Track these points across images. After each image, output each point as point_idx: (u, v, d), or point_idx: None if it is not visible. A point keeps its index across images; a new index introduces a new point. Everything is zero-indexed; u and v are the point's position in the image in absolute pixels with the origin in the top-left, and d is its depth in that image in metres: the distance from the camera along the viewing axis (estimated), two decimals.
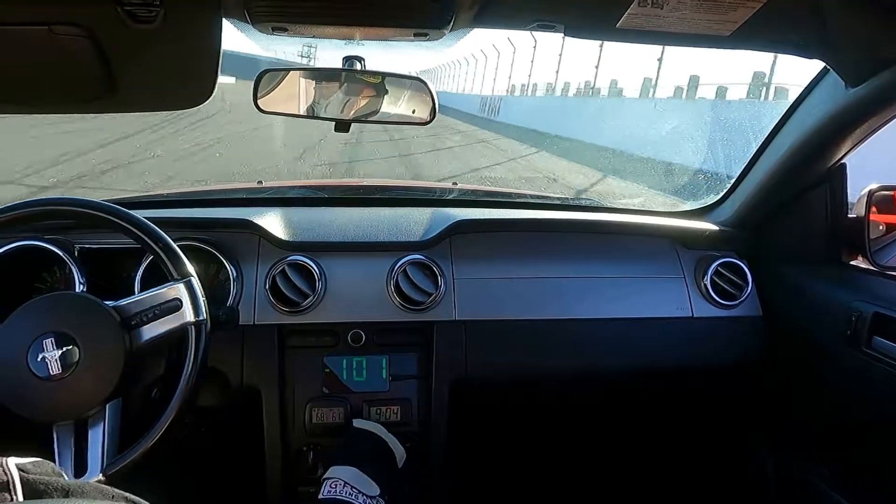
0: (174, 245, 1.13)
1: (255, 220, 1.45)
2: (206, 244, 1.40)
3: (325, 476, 1.11)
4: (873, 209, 1.38)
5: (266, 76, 1.17)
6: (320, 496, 1.05)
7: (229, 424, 1.61)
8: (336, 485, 1.04)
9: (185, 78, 0.97)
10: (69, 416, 1.03)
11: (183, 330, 1.10)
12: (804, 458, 1.49)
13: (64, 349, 1.00)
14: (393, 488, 1.12)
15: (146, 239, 1.11)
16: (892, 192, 1.41)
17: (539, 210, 1.77)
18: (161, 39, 0.87)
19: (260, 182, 2.00)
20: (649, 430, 1.90)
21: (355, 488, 1.04)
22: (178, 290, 1.09)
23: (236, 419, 1.55)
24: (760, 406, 1.63)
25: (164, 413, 1.06)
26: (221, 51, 0.90)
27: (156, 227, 1.13)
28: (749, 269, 1.55)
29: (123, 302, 1.09)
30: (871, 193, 1.37)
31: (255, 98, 1.18)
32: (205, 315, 1.10)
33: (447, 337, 1.44)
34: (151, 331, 1.08)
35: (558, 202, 2.01)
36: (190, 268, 1.13)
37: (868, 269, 1.39)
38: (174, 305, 1.08)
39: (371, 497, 1.05)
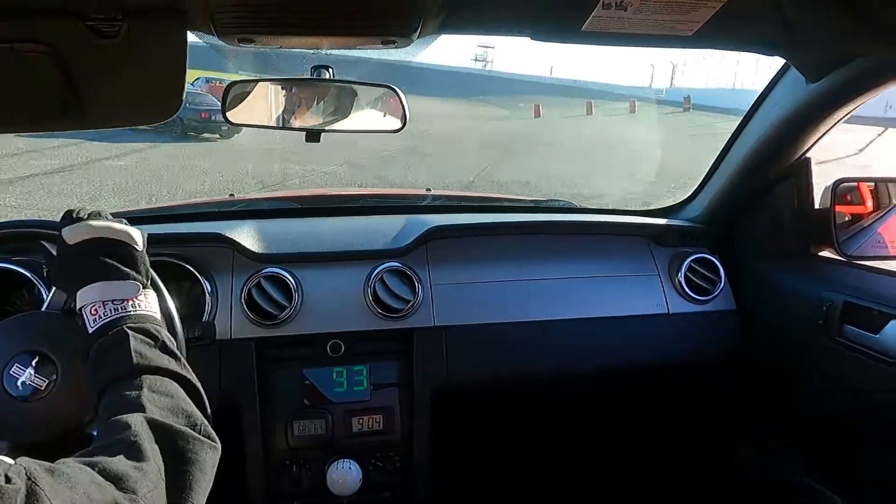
0: (179, 327, 1.06)
1: (228, 234, 1.43)
2: (179, 259, 1.38)
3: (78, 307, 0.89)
4: (839, 200, 1.41)
5: (234, 87, 1.16)
6: (90, 331, 0.85)
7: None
8: (95, 310, 0.85)
9: (151, 93, 0.96)
10: (49, 436, 1.00)
11: None
12: (784, 449, 1.52)
13: (40, 368, 0.97)
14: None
15: None
16: (856, 184, 1.44)
17: (513, 213, 1.78)
18: (126, 54, 0.86)
19: (232, 195, 1.98)
20: (632, 428, 1.91)
21: (113, 302, 0.85)
22: None
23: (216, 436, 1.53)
24: (739, 399, 1.66)
25: None
26: (187, 64, 0.89)
27: None
28: (721, 264, 1.57)
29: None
30: (835, 185, 1.40)
31: (224, 110, 1.17)
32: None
33: (427, 343, 1.44)
34: None
35: (532, 204, 2.03)
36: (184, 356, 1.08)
37: (837, 259, 1.42)
38: None
39: (128, 300, 0.87)
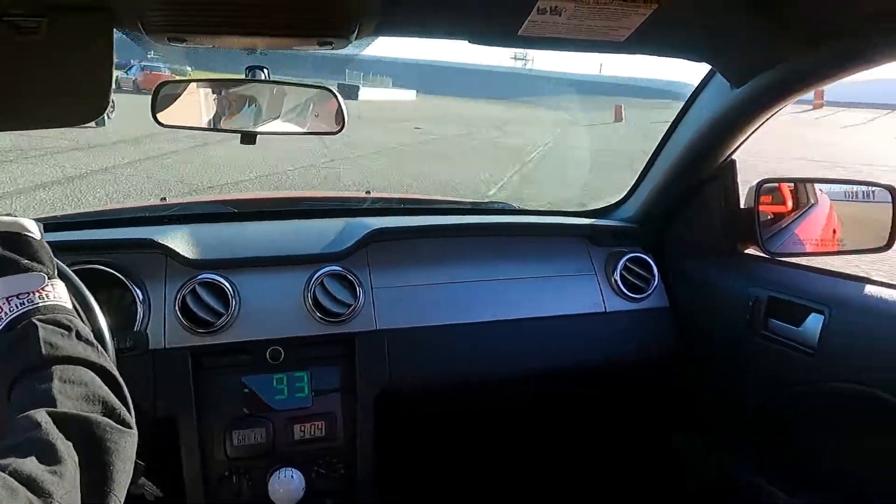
0: (109, 343, 0.99)
1: (160, 240, 1.38)
2: (108, 266, 1.32)
3: None
4: (762, 199, 1.48)
5: (164, 87, 1.13)
6: None
7: (144, 455, 1.52)
8: (0, 307, 0.79)
9: (76, 93, 0.92)
10: None
11: None
12: (720, 443, 1.57)
13: None
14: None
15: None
16: (778, 184, 1.52)
17: (452, 215, 1.79)
18: (48, 52, 0.82)
19: (163, 199, 1.91)
20: (575, 427, 1.95)
21: (19, 297, 0.80)
22: None
23: (151, 449, 1.47)
24: (677, 396, 1.71)
25: None
26: (114, 63, 0.86)
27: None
28: (655, 263, 1.62)
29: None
30: (759, 185, 1.47)
31: (154, 112, 1.13)
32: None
33: (369, 347, 1.43)
34: None
35: (470, 206, 2.04)
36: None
37: (762, 256, 1.48)
38: None
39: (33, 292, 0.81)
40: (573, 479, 1.96)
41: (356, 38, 0.96)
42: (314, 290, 1.39)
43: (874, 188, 1.45)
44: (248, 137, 1.18)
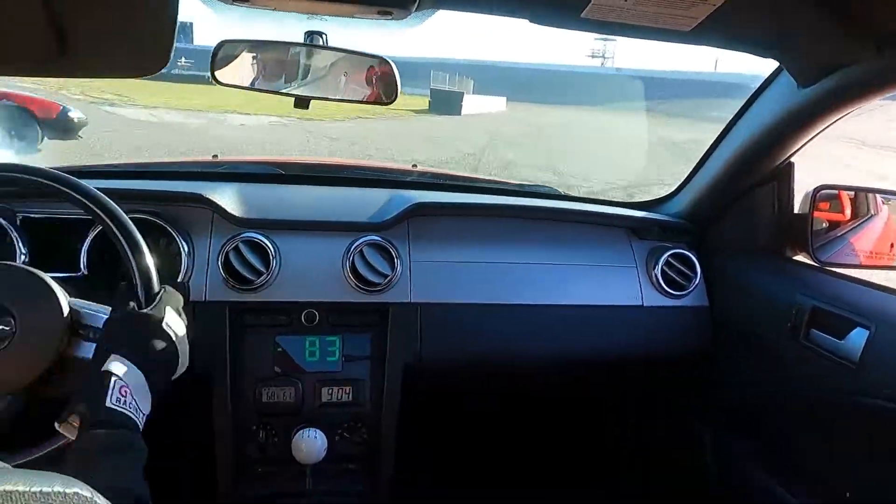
0: (156, 282, 1.01)
1: (209, 195, 1.41)
2: (157, 217, 1.37)
3: (107, 369, 0.88)
4: (818, 206, 1.43)
5: (224, 47, 1.14)
6: (108, 403, 0.84)
7: (177, 403, 1.58)
8: (126, 392, 0.85)
9: (139, 44, 0.94)
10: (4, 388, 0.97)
11: None
12: (743, 448, 1.55)
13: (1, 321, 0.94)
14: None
15: (123, 243, 1.01)
16: (836, 192, 1.47)
17: (497, 195, 1.78)
18: (115, 2, 0.83)
19: (215, 156, 1.95)
20: (598, 417, 1.95)
21: (135, 400, 0.87)
22: None
23: (185, 396, 1.52)
24: (705, 395, 1.69)
25: None
26: (178, 19, 0.87)
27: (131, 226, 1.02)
28: (698, 261, 1.59)
29: (82, 304, 0.99)
30: (816, 191, 1.42)
31: (212, 69, 1.14)
32: None
33: (402, 318, 1.44)
34: (88, 350, 0.96)
35: (516, 188, 2.03)
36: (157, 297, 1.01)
37: (810, 264, 1.44)
38: None
39: (143, 414, 0.88)
40: (588, 467, 1.96)
41: (416, 10, 0.96)
42: (353, 258, 1.41)
43: None
44: (302, 102, 1.20)
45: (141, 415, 0.86)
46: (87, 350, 0.96)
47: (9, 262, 1.01)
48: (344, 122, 14.91)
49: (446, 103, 22.01)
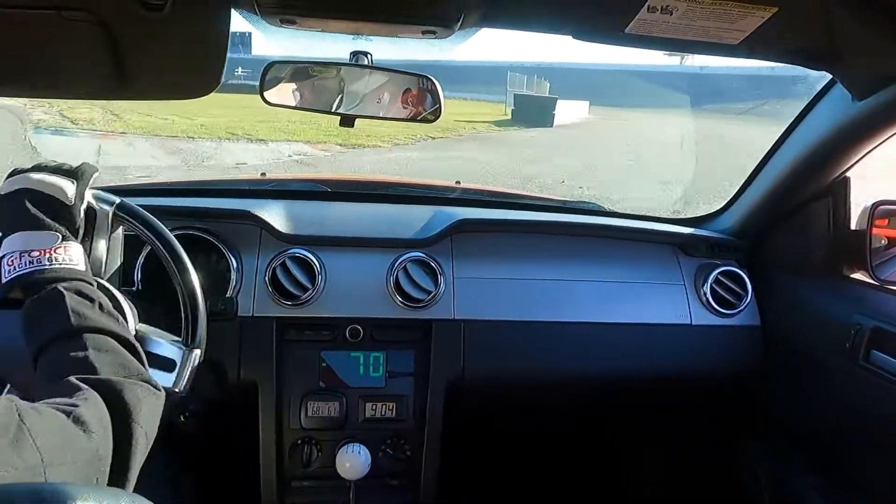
0: (200, 303, 1.04)
1: (257, 212, 1.45)
2: (207, 234, 1.40)
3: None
4: (876, 223, 1.38)
5: (273, 68, 1.17)
6: (4, 280, 0.85)
7: (226, 416, 1.61)
8: (13, 261, 0.85)
9: (193, 67, 0.97)
10: None
11: None
12: (797, 469, 1.49)
13: None
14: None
15: (182, 286, 1.04)
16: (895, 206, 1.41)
17: (541, 212, 1.77)
18: (170, 27, 0.87)
19: (263, 174, 2.00)
20: (645, 436, 1.90)
21: (30, 254, 0.85)
22: (180, 355, 1.01)
23: (233, 411, 1.55)
24: (756, 416, 1.63)
25: None
26: (229, 41, 0.90)
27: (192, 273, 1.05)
28: (749, 279, 1.55)
29: (142, 327, 1.01)
30: (874, 207, 1.37)
31: (261, 90, 1.18)
32: (185, 387, 1.01)
33: (445, 335, 1.44)
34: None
35: (560, 204, 2.01)
36: (203, 336, 1.04)
37: (869, 282, 1.38)
38: (167, 365, 1.00)
39: (45, 251, 0.86)
40: (641, 487, 1.91)
41: (459, 29, 0.97)
42: (397, 274, 1.42)
43: None
44: (348, 120, 1.22)
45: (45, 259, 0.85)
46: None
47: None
48: (409, 145, 12.23)
49: (534, 111, 17.40)
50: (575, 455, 1.91)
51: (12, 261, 0.85)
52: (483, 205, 1.82)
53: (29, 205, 0.89)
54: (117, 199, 1.02)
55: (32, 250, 0.86)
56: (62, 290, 0.82)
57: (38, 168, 0.94)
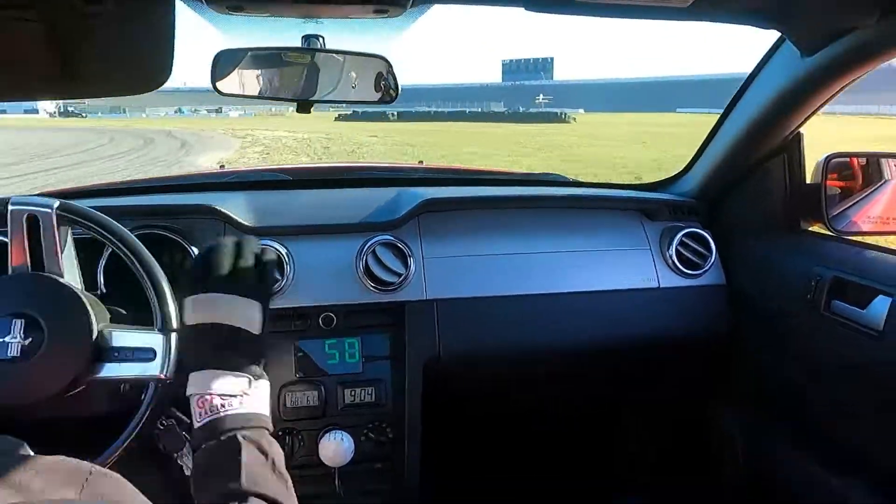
0: (165, 285, 1.04)
1: (219, 206, 1.42)
2: (169, 232, 1.37)
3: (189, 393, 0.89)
4: (830, 176, 1.41)
5: (223, 56, 1.14)
6: (196, 424, 0.86)
7: None
8: (204, 403, 0.86)
9: (140, 61, 0.94)
10: (27, 399, 0.97)
11: (145, 380, 1.02)
12: (769, 426, 1.54)
13: (27, 331, 0.94)
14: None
15: (144, 275, 1.03)
16: (848, 159, 1.45)
17: (505, 186, 1.78)
18: (113, 21, 0.84)
19: (222, 166, 1.96)
20: (622, 403, 1.94)
21: (223, 396, 0.87)
22: (158, 342, 1.00)
23: None
24: (727, 376, 1.67)
25: (112, 444, 1.00)
26: (176, 32, 0.88)
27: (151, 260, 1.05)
28: (712, 239, 1.58)
29: (105, 326, 1.00)
30: (827, 160, 1.40)
31: (213, 80, 1.15)
32: (171, 371, 1.00)
33: (418, 316, 1.44)
34: (115, 370, 0.98)
35: (523, 177, 2.02)
36: (175, 319, 1.03)
37: (826, 234, 1.42)
38: (148, 356, 0.99)
39: (237, 396, 0.88)
40: (618, 453, 1.95)
41: (411, 6, 0.95)
42: (366, 259, 1.41)
43: None
44: (304, 106, 1.20)
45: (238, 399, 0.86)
46: (112, 370, 0.98)
47: (51, 275, 1.01)
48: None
49: None
50: (553, 427, 1.94)
51: (203, 403, 0.85)
52: (447, 183, 1.82)
53: (218, 340, 0.89)
54: (56, 202, 1.00)
55: (223, 393, 0.85)
56: (241, 440, 0.82)
57: (239, 247, 0.97)
